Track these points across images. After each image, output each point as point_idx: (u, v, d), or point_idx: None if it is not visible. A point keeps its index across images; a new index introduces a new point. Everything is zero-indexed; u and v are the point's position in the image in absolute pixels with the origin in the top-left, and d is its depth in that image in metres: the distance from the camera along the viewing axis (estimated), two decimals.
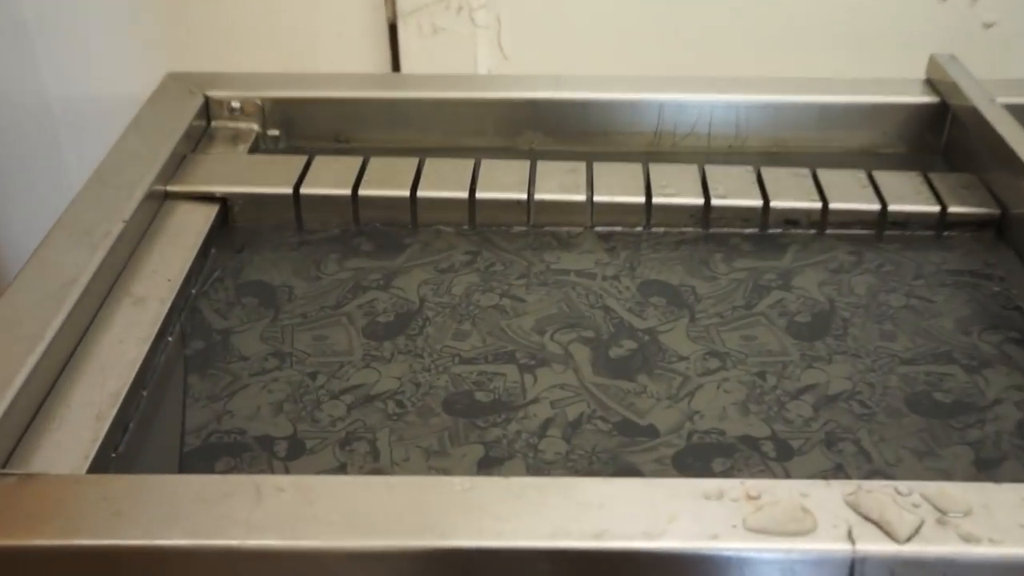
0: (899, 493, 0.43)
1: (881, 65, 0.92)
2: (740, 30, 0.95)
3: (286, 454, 0.53)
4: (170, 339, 0.60)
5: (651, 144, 0.83)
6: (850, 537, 0.41)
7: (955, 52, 0.83)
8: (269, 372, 0.59)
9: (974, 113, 0.75)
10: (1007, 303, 0.64)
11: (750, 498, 0.43)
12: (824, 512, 0.42)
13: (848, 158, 0.81)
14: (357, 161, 0.75)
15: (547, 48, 0.94)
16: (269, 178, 0.73)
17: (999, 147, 0.70)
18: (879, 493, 0.42)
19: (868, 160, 0.81)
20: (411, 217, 0.72)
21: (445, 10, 0.91)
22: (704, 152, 0.82)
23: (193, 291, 0.65)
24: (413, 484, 0.45)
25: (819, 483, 0.43)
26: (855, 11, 0.95)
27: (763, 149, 0.82)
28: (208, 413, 0.55)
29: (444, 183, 0.73)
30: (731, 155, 0.82)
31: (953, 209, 0.70)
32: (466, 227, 0.72)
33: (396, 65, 0.95)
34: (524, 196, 0.72)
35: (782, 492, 0.43)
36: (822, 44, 0.95)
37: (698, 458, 0.52)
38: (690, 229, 0.72)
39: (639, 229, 0.72)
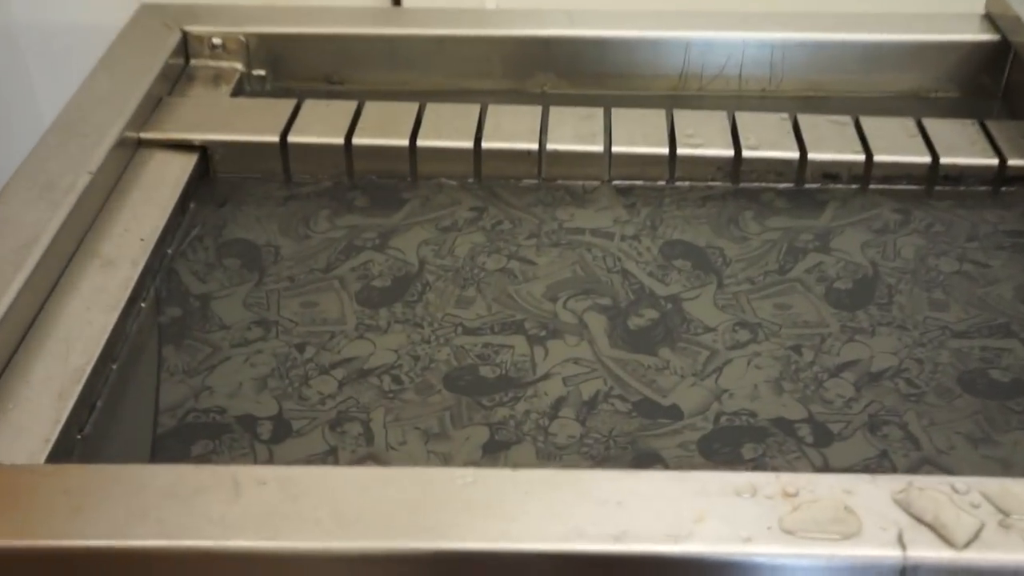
0: (956, 491, 0.40)
1: None
2: None
3: (270, 436, 0.50)
4: (143, 305, 0.58)
5: (676, 87, 0.79)
6: (900, 542, 0.38)
7: None
8: (252, 343, 0.56)
9: None
10: None
11: (787, 495, 0.40)
12: (870, 513, 0.39)
13: (895, 103, 0.78)
14: (351, 106, 0.71)
15: None
16: (254, 124, 0.70)
17: None
18: (933, 491, 0.40)
19: (917, 106, 0.77)
20: (410, 169, 0.69)
21: None
22: (734, 96, 0.78)
23: (169, 251, 0.62)
24: (409, 477, 0.42)
25: (864, 479, 0.41)
26: None
27: (800, 93, 0.79)
28: (184, 389, 0.53)
29: (446, 131, 0.69)
30: (764, 100, 0.78)
31: (1014, 162, 0.67)
32: (471, 180, 0.69)
33: None
34: (535, 146, 0.68)
35: (823, 489, 0.40)
36: None
37: (726, 443, 0.50)
38: (718, 183, 0.68)
39: (662, 183, 0.69)
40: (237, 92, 0.77)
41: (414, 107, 0.71)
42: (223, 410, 0.52)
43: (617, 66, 0.79)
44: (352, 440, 0.50)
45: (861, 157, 0.67)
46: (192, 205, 0.66)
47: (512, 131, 0.69)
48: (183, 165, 0.67)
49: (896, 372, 0.54)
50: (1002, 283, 0.60)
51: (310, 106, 0.72)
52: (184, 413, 0.51)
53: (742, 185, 0.68)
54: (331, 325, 0.57)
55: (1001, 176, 0.67)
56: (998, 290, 0.59)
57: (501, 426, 0.51)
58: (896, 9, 0.80)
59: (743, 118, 0.71)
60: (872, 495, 0.40)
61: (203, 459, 0.49)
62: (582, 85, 0.79)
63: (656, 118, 0.71)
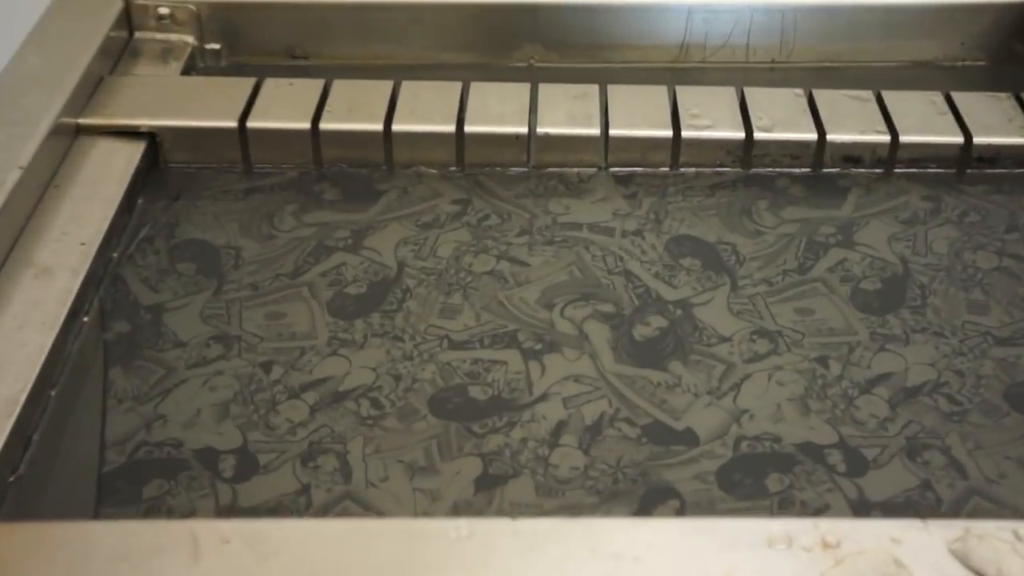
0: (1020, 539, 0.37)
1: None
2: None
3: (234, 473, 0.47)
4: (85, 321, 0.54)
5: (677, 58, 0.75)
6: None
7: None
8: (212, 363, 0.52)
9: None
10: None
11: (827, 546, 0.37)
12: (924, 565, 0.36)
13: (918, 73, 0.74)
14: (318, 85, 0.67)
15: None
16: (208, 107, 0.66)
17: None
18: (995, 539, 0.37)
19: (942, 76, 0.74)
20: (385, 156, 0.65)
21: None
22: (742, 68, 0.75)
23: (114, 256, 0.58)
24: (395, 530, 0.39)
25: (915, 525, 0.38)
26: None
27: (814, 64, 0.75)
28: (135, 419, 0.49)
29: (425, 113, 0.65)
30: (775, 71, 0.75)
31: None
32: (453, 168, 0.65)
33: None
34: (524, 129, 0.64)
35: (868, 538, 0.37)
36: None
37: (748, 473, 0.47)
38: (728, 169, 0.65)
39: (665, 170, 0.65)
40: (188, 69, 0.73)
41: (388, 86, 0.67)
42: (179, 443, 0.48)
43: (611, 36, 0.75)
44: (327, 476, 0.47)
45: (886, 138, 0.64)
46: (140, 202, 0.62)
47: (498, 113, 0.66)
48: (129, 155, 0.63)
49: (935, 387, 0.51)
50: None
51: (271, 86, 0.68)
52: (134, 447, 0.48)
53: (754, 171, 0.65)
54: (300, 340, 0.54)
55: None
56: None
57: (495, 457, 0.47)
58: None
59: (753, 95, 0.67)
60: (924, 544, 0.37)
61: (157, 503, 0.45)
62: (573, 57, 0.75)
63: (657, 96, 0.67)
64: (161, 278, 0.57)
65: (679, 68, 0.75)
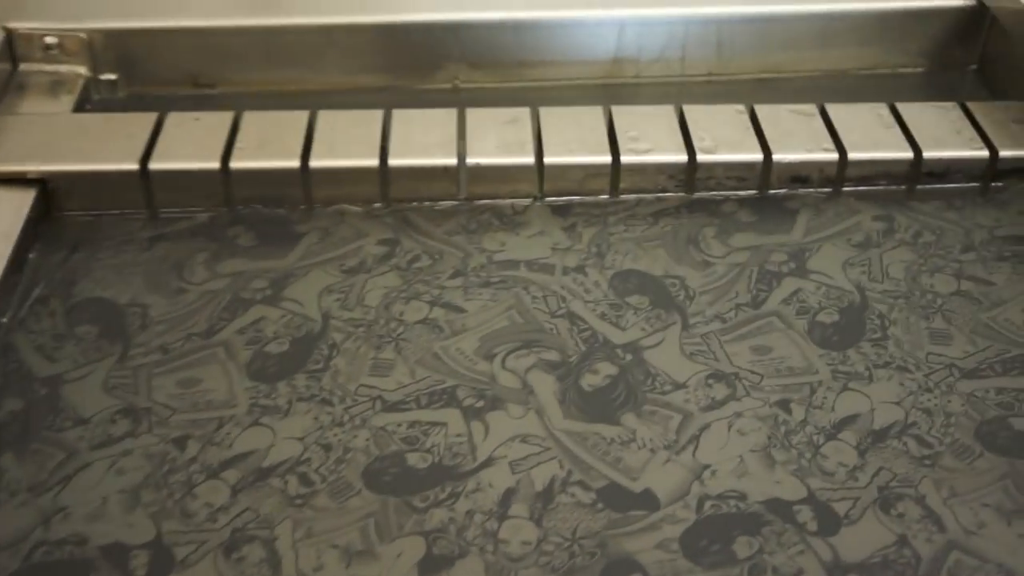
0: None
1: None
2: None
3: (147, 572, 0.42)
4: None
5: (610, 74, 0.72)
6: None
7: None
8: (118, 441, 0.48)
9: (1013, 16, 0.66)
10: None
11: None
12: None
13: (859, 82, 0.73)
14: (226, 118, 0.63)
15: None
16: (106, 148, 0.61)
17: None
18: None
19: (883, 84, 0.72)
20: (304, 195, 0.61)
21: None
22: (678, 83, 0.72)
23: (3, 321, 0.53)
24: None
25: None
26: None
27: (751, 75, 0.73)
28: (30, 514, 0.45)
29: (344, 146, 0.62)
30: (712, 84, 0.72)
31: (1006, 153, 0.62)
32: (378, 205, 0.61)
33: None
34: (453, 160, 0.61)
35: None
36: None
37: (715, 538, 0.44)
38: (670, 194, 0.62)
39: (604, 197, 0.62)
40: (82, 103, 0.68)
41: (303, 116, 0.63)
42: (83, 539, 0.44)
43: (539, 53, 0.72)
44: (253, 569, 0.43)
45: (834, 156, 0.62)
46: (31, 256, 0.57)
47: (424, 143, 0.62)
48: (17, 204, 0.58)
49: (903, 428, 0.48)
50: (1009, 304, 0.55)
51: (175, 121, 0.63)
52: (31, 548, 0.43)
53: (698, 195, 0.62)
54: (218, 409, 0.49)
55: (992, 170, 0.62)
56: (1005, 313, 0.54)
57: (439, 534, 0.44)
58: None
59: (693, 113, 0.64)
60: None
61: None
62: (500, 77, 0.72)
63: (593, 118, 0.64)
64: (58, 345, 0.53)
65: (612, 84, 0.72)
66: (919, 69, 0.74)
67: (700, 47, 0.72)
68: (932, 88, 0.72)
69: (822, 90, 0.71)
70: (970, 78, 0.73)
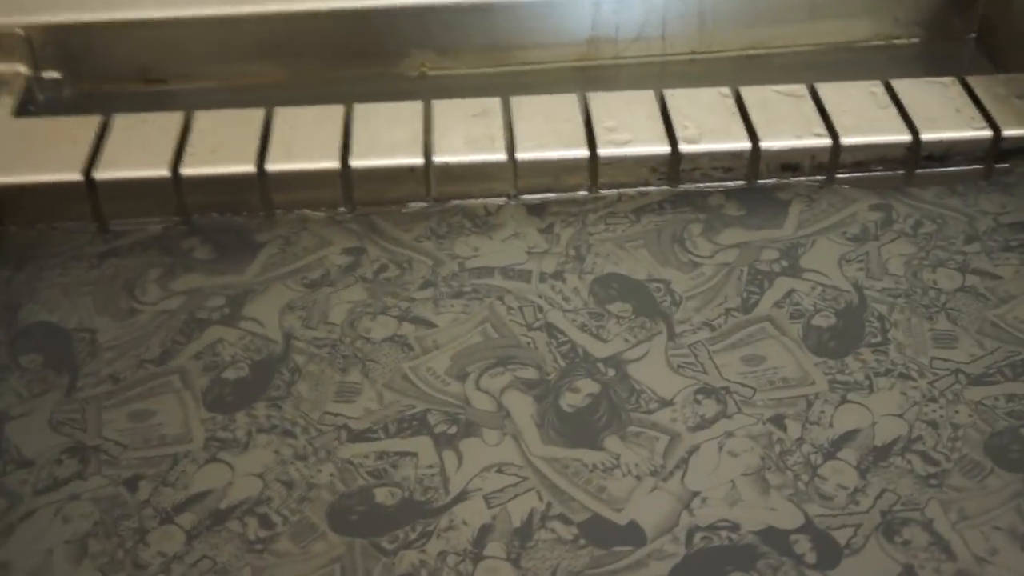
0: None
1: None
2: None
3: None
4: None
5: (586, 56, 0.69)
6: None
7: None
8: (65, 484, 0.45)
9: None
10: None
11: None
12: None
13: (852, 57, 0.70)
14: (177, 119, 0.60)
15: None
16: (49, 156, 0.58)
17: None
18: None
19: (878, 57, 0.69)
20: (262, 201, 0.58)
21: None
22: (659, 63, 0.69)
23: None
24: None
25: None
26: None
27: (737, 52, 0.70)
28: None
29: (304, 146, 0.58)
30: (695, 64, 0.69)
31: (1009, 132, 0.59)
32: (342, 209, 0.58)
33: None
34: (419, 160, 0.58)
35: None
36: None
37: (706, 574, 0.41)
38: (653, 188, 0.59)
39: (583, 193, 0.59)
40: (25, 105, 0.65)
41: (259, 115, 0.60)
42: None
43: (511, 35, 0.68)
44: None
45: (826, 141, 0.59)
46: None
47: (388, 139, 0.59)
48: None
49: (907, 443, 0.46)
50: (1018, 300, 0.52)
51: (122, 123, 0.60)
52: None
53: (683, 187, 0.59)
54: (172, 445, 0.47)
55: (995, 150, 0.59)
56: (1014, 310, 0.52)
57: None
58: None
59: (675, 98, 0.61)
60: None
61: None
62: (470, 63, 0.69)
63: (568, 107, 0.61)
64: (0, 377, 0.50)
65: (589, 67, 0.69)
66: (915, 40, 0.71)
67: (682, 23, 0.69)
68: (929, 60, 0.69)
69: (812, 67, 0.68)
70: (969, 48, 0.70)
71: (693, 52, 0.70)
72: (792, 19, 0.69)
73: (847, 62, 0.69)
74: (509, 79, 0.67)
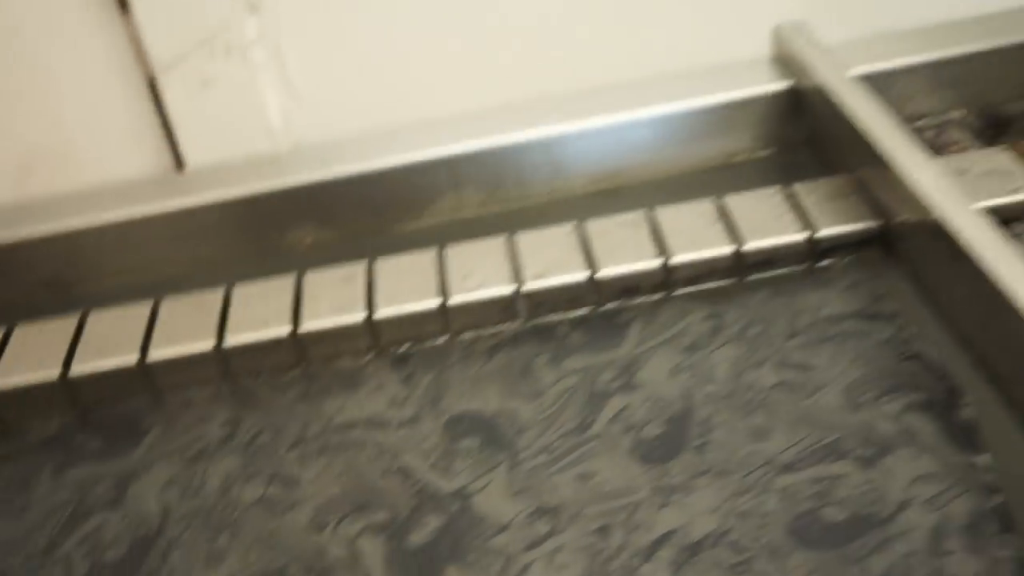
0: None
1: (726, 41, 0.84)
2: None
3: None
4: None
5: (454, 210, 0.76)
6: None
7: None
8: None
9: (823, 95, 0.69)
10: (904, 350, 0.58)
11: None
12: None
13: (699, 179, 0.75)
14: (70, 324, 0.66)
15: (347, 72, 0.83)
16: None
17: (855, 137, 0.64)
18: None
19: (723, 177, 0.75)
20: (147, 387, 0.64)
21: (210, 56, 0.82)
22: (517, 209, 0.75)
23: None
24: None
25: None
26: None
27: (591, 188, 0.76)
28: None
29: (184, 333, 0.65)
30: (552, 205, 0.75)
31: (824, 232, 0.65)
32: (223, 384, 0.64)
33: (171, 137, 0.84)
34: (286, 330, 0.64)
35: None
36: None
37: None
38: (505, 326, 0.65)
39: (443, 340, 0.65)
40: None
41: (146, 309, 0.67)
42: None
43: (380, 203, 0.75)
44: None
45: (658, 262, 0.64)
46: None
47: (261, 315, 0.65)
48: None
49: (718, 537, 0.50)
50: (827, 388, 0.57)
51: (21, 334, 0.67)
52: None
53: (534, 322, 0.65)
54: None
55: (814, 251, 0.64)
56: (825, 398, 0.56)
57: None
58: (677, 64, 0.78)
59: (525, 240, 0.68)
60: None
61: None
62: (349, 233, 0.75)
63: (424, 262, 0.67)
64: None
65: (456, 222, 0.75)
66: (760, 154, 0.77)
67: (537, 169, 0.75)
68: (767, 171, 0.74)
69: (663, 194, 0.73)
70: (804, 156, 0.75)
71: (550, 193, 0.76)
72: (640, 149, 0.76)
73: (691, 185, 0.75)
74: (384, 244, 0.73)
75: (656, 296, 0.65)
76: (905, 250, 0.63)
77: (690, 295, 0.65)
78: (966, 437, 0.52)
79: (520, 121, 0.75)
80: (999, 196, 0.64)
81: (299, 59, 0.76)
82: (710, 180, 0.75)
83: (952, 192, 0.57)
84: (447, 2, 0.74)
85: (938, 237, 0.56)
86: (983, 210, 0.57)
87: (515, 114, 0.76)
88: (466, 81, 0.77)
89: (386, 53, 0.76)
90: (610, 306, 0.65)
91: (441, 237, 0.70)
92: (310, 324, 0.64)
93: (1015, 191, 0.64)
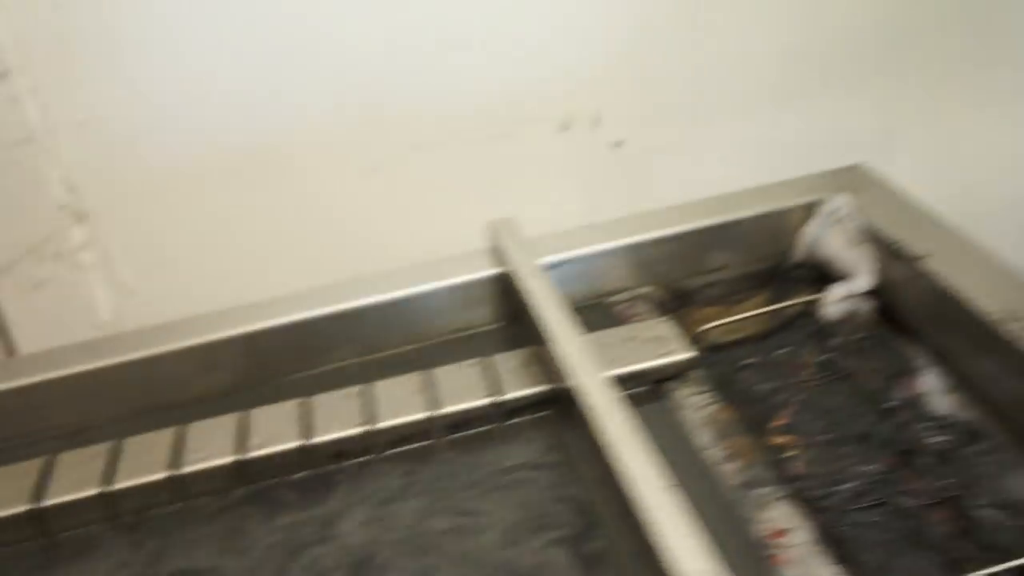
0: None
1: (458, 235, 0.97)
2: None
3: None
4: None
5: (208, 390, 0.84)
6: None
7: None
8: None
9: (516, 280, 0.81)
10: (560, 494, 0.68)
11: None
12: None
13: (431, 351, 0.85)
14: None
15: (175, 265, 0.91)
16: None
17: (532, 317, 0.76)
18: None
19: (449, 348, 0.85)
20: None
21: (40, 261, 0.91)
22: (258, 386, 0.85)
23: None
24: None
25: None
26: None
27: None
28: None
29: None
30: (289, 384, 0.85)
31: (510, 395, 0.76)
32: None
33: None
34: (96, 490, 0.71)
35: None
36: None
37: None
38: (233, 491, 0.74)
39: (178, 507, 0.73)
40: None
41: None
42: None
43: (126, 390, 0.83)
44: None
45: (363, 428, 0.74)
46: None
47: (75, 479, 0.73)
48: None
49: None
50: (490, 530, 0.67)
51: None
52: None
53: (258, 485, 0.74)
54: None
55: (500, 411, 0.75)
56: (486, 539, 0.66)
57: None
58: (417, 254, 0.89)
59: (256, 416, 0.77)
60: None
61: None
62: (110, 418, 0.83)
63: (161, 442, 0.76)
64: None
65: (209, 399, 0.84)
66: (482, 329, 0.88)
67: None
68: (483, 344, 0.85)
69: (380, 368, 0.83)
70: (515, 330, 0.87)
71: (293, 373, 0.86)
72: (388, 330, 0.86)
73: (413, 360, 0.85)
74: (139, 424, 0.82)
75: (366, 458, 0.74)
76: (571, 408, 0.74)
77: (395, 457, 0.75)
78: (593, 564, 0.63)
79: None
80: (651, 360, 0.76)
81: (128, 258, 0.86)
82: (435, 352, 0.86)
83: (584, 363, 0.69)
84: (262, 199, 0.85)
85: (576, 399, 0.67)
86: (611, 377, 0.69)
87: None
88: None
89: (209, 246, 0.87)
90: (325, 468, 0.74)
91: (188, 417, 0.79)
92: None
93: (667, 354, 0.77)
